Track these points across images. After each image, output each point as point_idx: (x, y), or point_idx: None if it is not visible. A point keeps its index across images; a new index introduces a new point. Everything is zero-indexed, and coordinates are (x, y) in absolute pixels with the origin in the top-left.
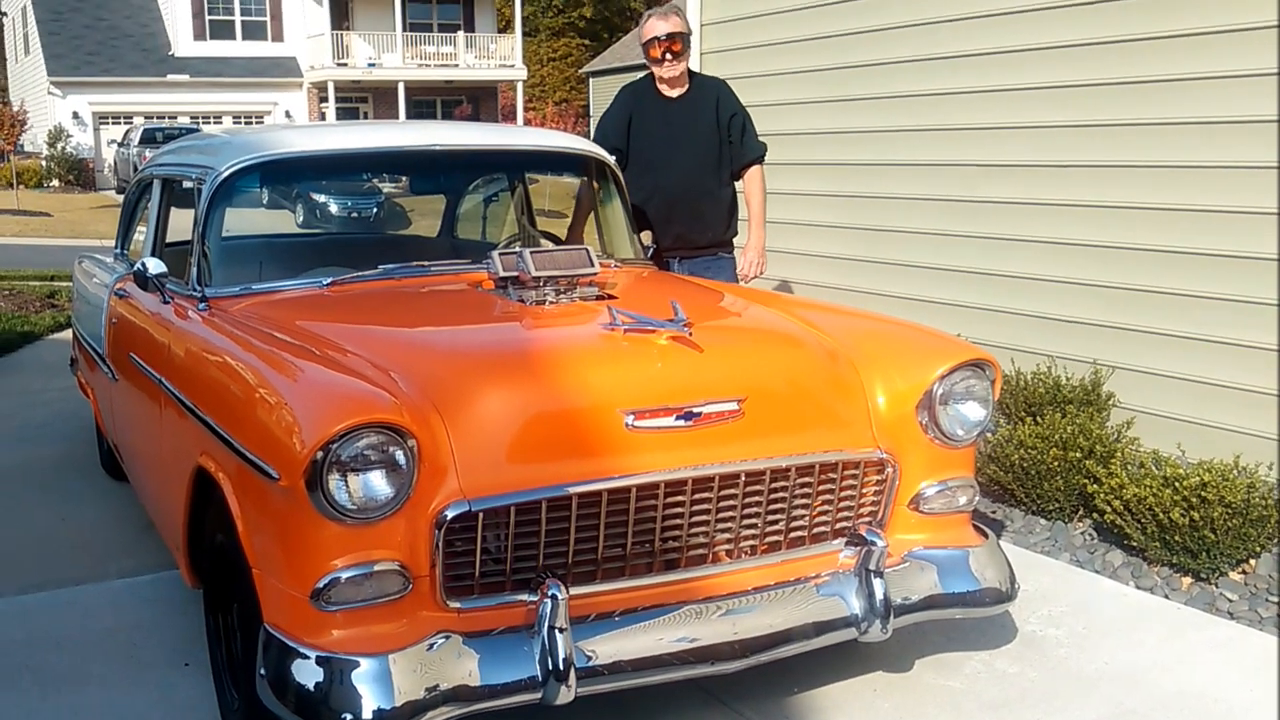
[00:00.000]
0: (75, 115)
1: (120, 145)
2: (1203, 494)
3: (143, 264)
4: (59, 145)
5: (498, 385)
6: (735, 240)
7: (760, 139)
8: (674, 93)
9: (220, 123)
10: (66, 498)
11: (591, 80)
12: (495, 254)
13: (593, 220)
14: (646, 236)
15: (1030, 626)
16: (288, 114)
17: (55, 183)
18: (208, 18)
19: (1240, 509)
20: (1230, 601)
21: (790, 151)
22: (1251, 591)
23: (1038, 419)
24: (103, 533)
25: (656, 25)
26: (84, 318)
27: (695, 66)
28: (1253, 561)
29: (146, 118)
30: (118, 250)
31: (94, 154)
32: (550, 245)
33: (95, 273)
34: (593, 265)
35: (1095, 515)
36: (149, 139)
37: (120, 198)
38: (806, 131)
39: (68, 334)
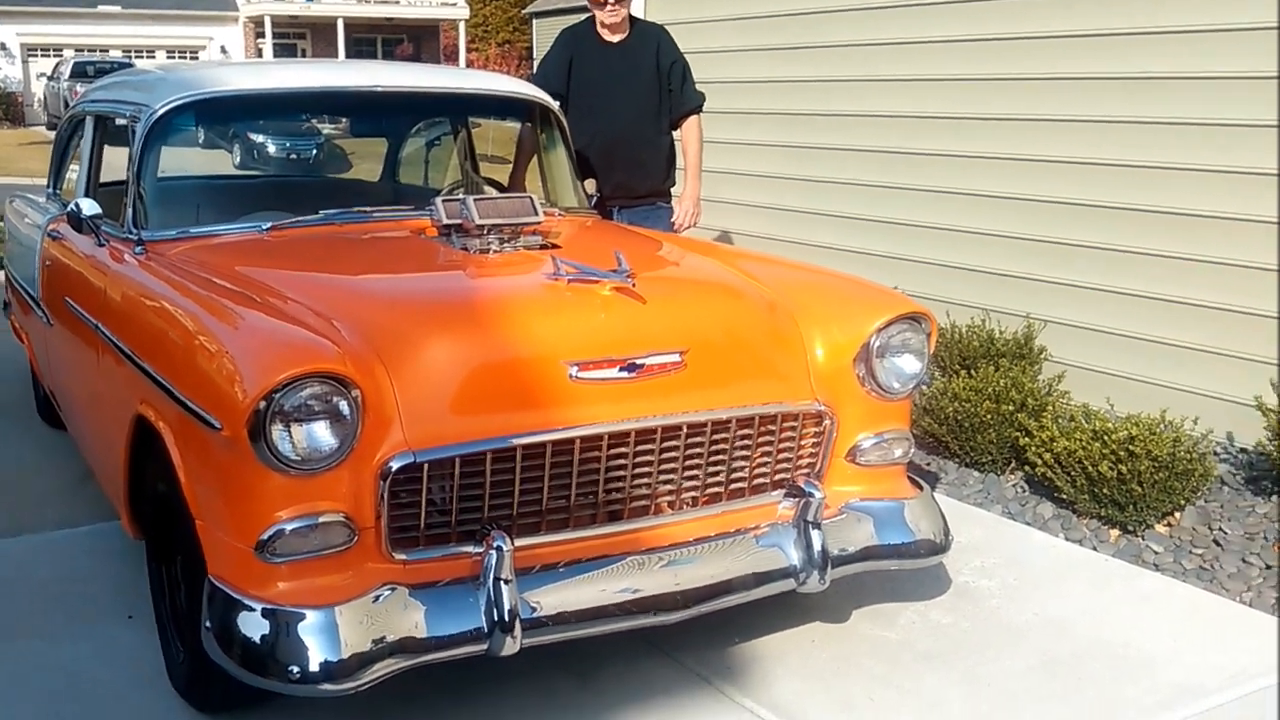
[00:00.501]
0: (3, 46)
1: (50, 79)
2: (1130, 448)
3: (77, 204)
4: None
5: (442, 335)
6: (674, 190)
7: (699, 89)
8: (615, 38)
9: (153, 57)
10: (2, 446)
11: (535, 21)
12: (439, 201)
13: (535, 167)
14: (590, 185)
15: (963, 578)
16: (223, 49)
17: None
18: None
19: (1166, 462)
20: (1156, 553)
21: (730, 100)
22: (1176, 544)
23: (972, 372)
24: (40, 482)
25: None
26: (16, 259)
27: (639, 11)
28: (1178, 514)
29: (77, 50)
30: (50, 190)
31: (22, 87)
32: (494, 193)
33: (27, 213)
34: (536, 214)
35: (1027, 468)
36: (80, 73)
37: (50, 133)
38: (747, 80)
39: None
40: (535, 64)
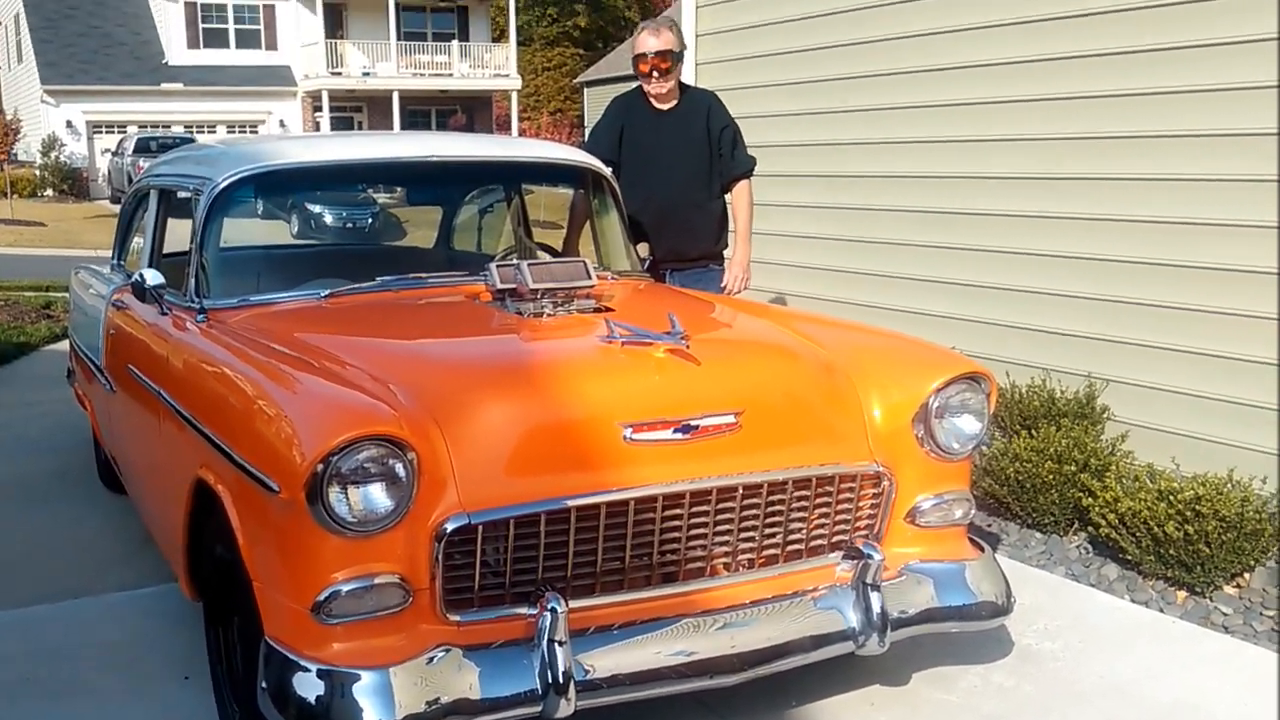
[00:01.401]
0: (69, 124)
1: (114, 154)
2: (1197, 508)
3: (141, 275)
4: (53, 154)
5: (496, 398)
6: (726, 253)
7: (750, 153)
8: (665, 106)
9: (214, 132)
10: (64, 510)
11: (586, 90)
12: (493, 266)
13: (588, 231)
14: (644, 248)
15: (1026, 640)
16: (282, 123)
17: (49, 192)
18: (201, 26)
19: (1235, 522)
20: (1225, 615)
21: (783, 163)
22: (1246, 605)
23: (1033, 432)
24: (101, 545)
25: (647, 41)
26: (81, 329)
27: (690, 76)
28: (1247, 575)
29: (140, 126)
30: (114, 261)
31: (88, 163)
32: (547, 257)
33: (92, 283)
34: (590, 277)
35: (1090, 529)
36: (143, 148)
37: (114, 207)
38: (799, 144)
39: (64, 345)
40: (586, 132)
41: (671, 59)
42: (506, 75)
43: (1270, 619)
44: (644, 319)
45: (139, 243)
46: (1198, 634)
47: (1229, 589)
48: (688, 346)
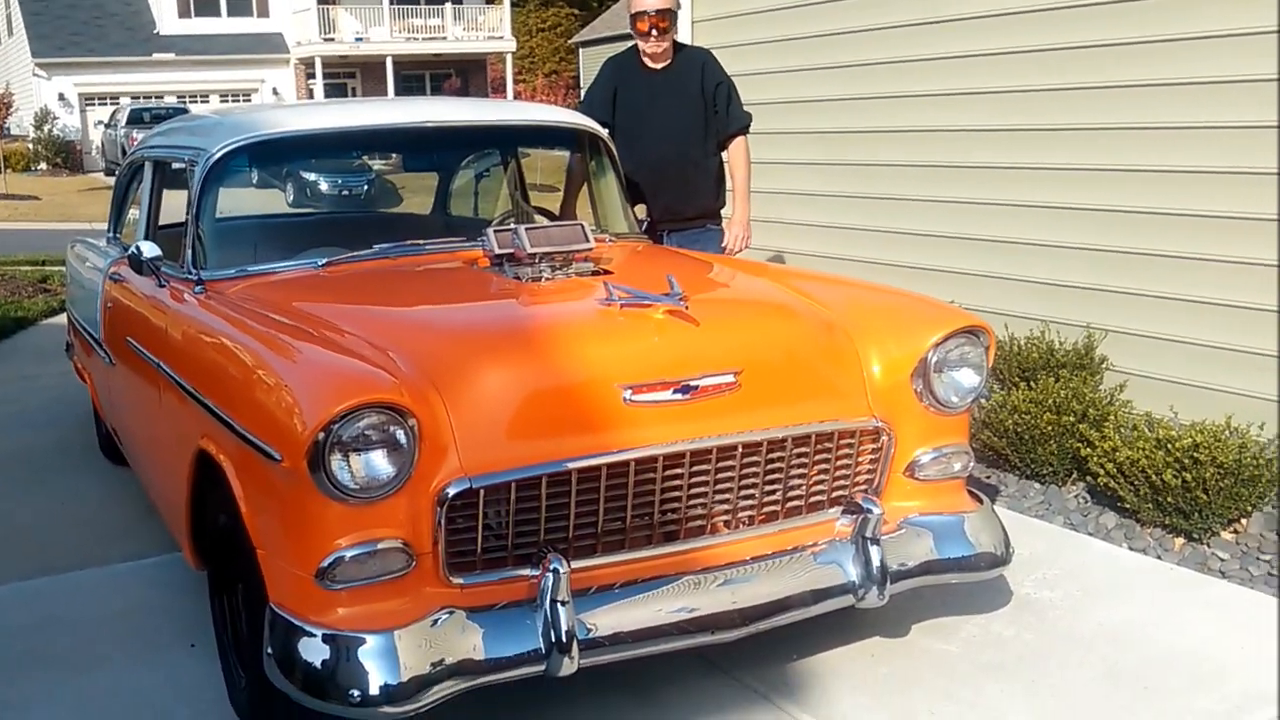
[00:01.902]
0: (61, 97)
1: (107, 126)
2: (1195, 455)
3: (137, 247)
4: (45, 128)
5: (496, 363)
6: (724, 211)
7: (746, 109)
8: (658, 65)
9: (207, 101)
10: (66, 483)
11: (581, 50)
12: (490, 231)
13: (585, 194)
14: (641, 210)
15: (1025, 590)
16: (275, 91)
17: (43, 166)
18: None
19: (1232, 469)
20: (1222, 561)
21: (781, 120)
22: (1243, 550)
23: (1031, 384)
24: (104, 517)
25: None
26: (79, 302)
27: (686, 34)
28: (1244, 521)
29: (133, 98)
30: (110, 234)
31: (81, 136)
32: (545, 221)
33: (89, 257)
34: (588, 240)
35: (1089, 479)
36: (136, 119)
37: (109, 179)
38: (797, 100)
39: (62, 319)
40: (582, 92)
41: (670, 18)
42: (501, 37)
43: (1267, 563)
44: (642, 281)
45: (135, 215)
46: (1195, 580)
47: (1226, 535)
48: (686, 307)
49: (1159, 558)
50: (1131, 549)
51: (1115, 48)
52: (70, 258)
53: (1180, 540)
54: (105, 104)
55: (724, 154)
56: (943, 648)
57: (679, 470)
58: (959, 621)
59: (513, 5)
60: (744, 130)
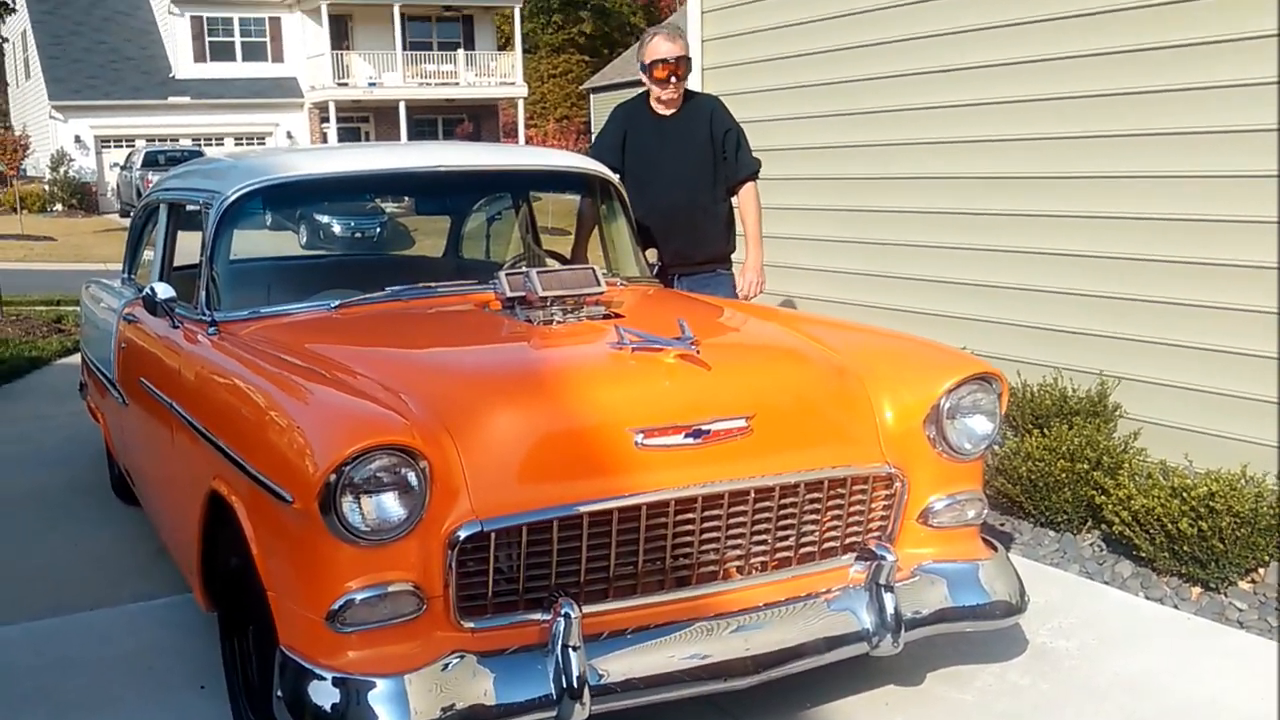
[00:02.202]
0: (77, 139)
1: (123, 168)
2: (1211, 504)
3: (152, 289)
4: (61, 169)
5: (508, 406)
6: (734, 256)
7: (755, 154)
8: (668, 111)
9: (222, 144)
10: (78, 522)
11: (592, 96)
12: (502, 274)
13: (597, 238)
14: (652, 254)
15: (1041, 638)
16: (289, 134)
17: (58, 207)
18: (208, 39)
19: (1248, 518)
20: (1240, 611)
21: (792, 166)
22: (1261, 600)
23: (1044, 431)
24: (115, 557)
25: (663, 46)
26: (93, 342)
27: (696, 81)
28: (1261, 570)
29: (149, 140)
30: (125, 275)
31: (96, 177)
32: (557, 265)
33: (103, 297)
34: (599, 284)
35: (1103, 526)
36: (151, 161)
37: (124, 221)
38: (808, 146)
39: (75, 359)
40: (593, 137)
41: (687, 65)
42: (512, 83)
43: None
44: (654, 325)
45: (149, 256)
46: (1213, 630)
47: (1244, 584)
48: (698, 352)
49: (1176, 607)
50: (1148, 598)
51: (1129, 96)
52: (85, 298)
53: (1197, 589)
54: (121, 146)
55: (734, 199)
56: (958, 697)
57: (691, 515)
58: (974, 670)
59: (525, 52)
60: (754, 176)
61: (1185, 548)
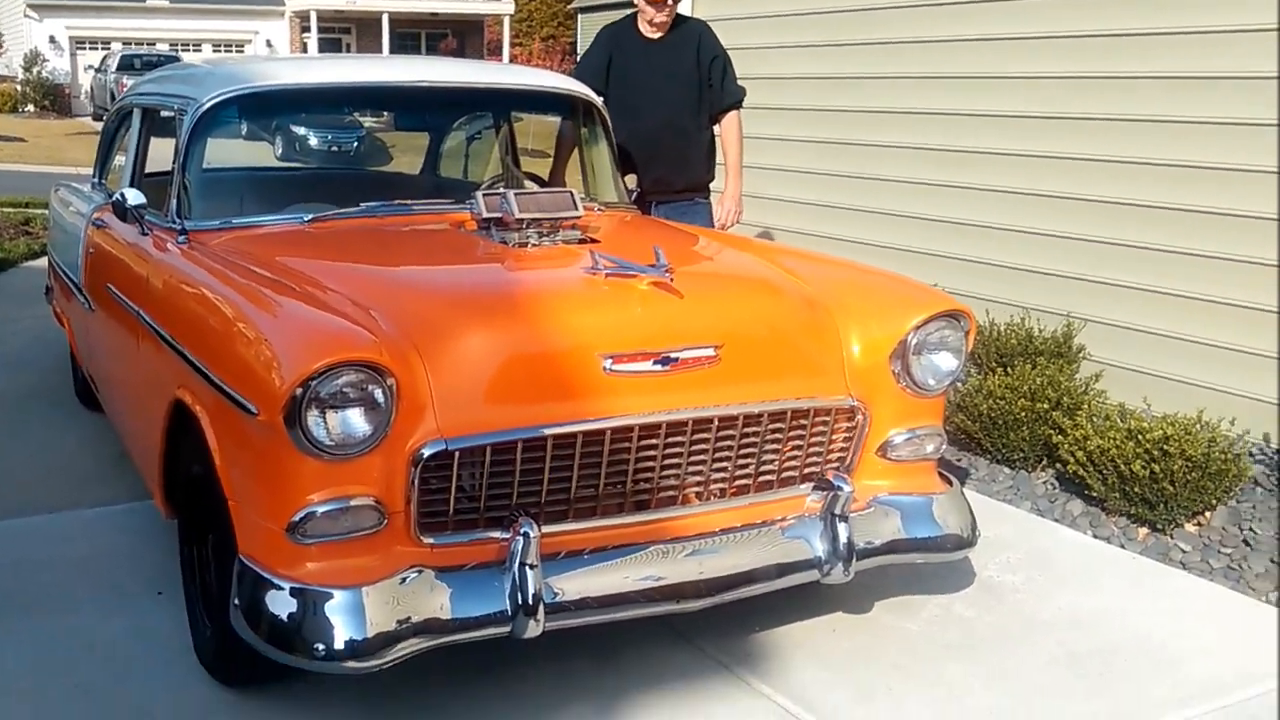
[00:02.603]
0: (52, 39)
1: (97, 71)
2: (1165, 447)
3: (122, 194)
4: (35, 70)
5: (478, 326)
6: (712, 185)
7: (740, 84)
8: (655, 35)
9: (200, 51)
10: (41, 427)
11: (580, 16)
12: (479, 194)
13: (576, 161)
14: (631, 180)
15: (989, 572)
16: (269, 43)
17: (30, 108)
18: None
19: (1200, 462)
20: (1184, 552)
21: (772, 96)
22: (1205, 543)
23: (1008, 370)
24: (77, 462)
25: None
26: (60, 247)
27: (687, 6)
28: (1208, 514)
29: (124, 44)
30: (96, 179)
31: (70, 79)
32: (534, 187)
33: (72, 201)
34: (576, 208)
35: (1058, 466)
36: (127, 65)
37: (97, 124)
38: (792, 76)
39: (42, 262)
40: (579, 58)
41: None
42: None
43: (1227, 556)
44: (629, 251)
45: (121, 161)
46: (1157, 570)
47: (1190, 527)
48: (671, 280)
49: (1123, 546)
50: (1096, 537)
51: (1116, 38)
52: (54, 201)
53: (1144, 530)
54: (96, 49)
55: (716, 128)
56: (905, 626)
57: (654, 441)
58: (922, 601)
59: None
60: (737, 105)
61: (1136, 489)
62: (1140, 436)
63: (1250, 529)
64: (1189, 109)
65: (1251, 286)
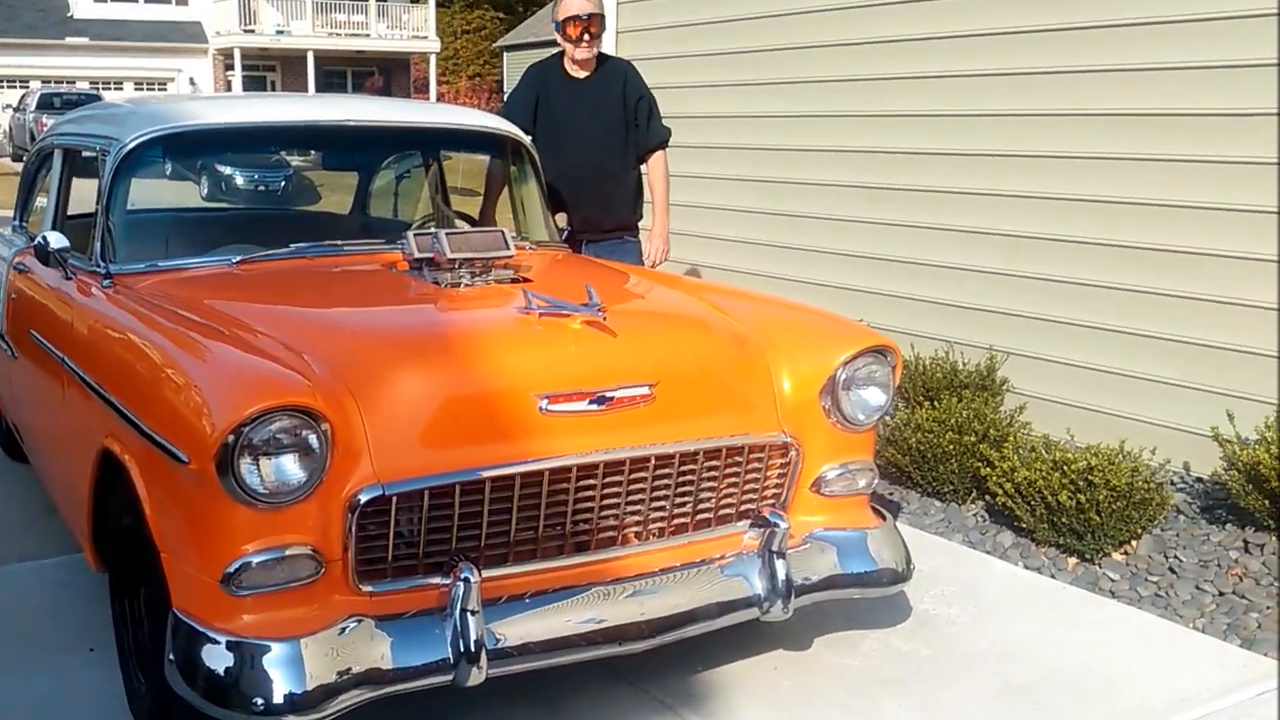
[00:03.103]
0: None
1: (16, 110)
2: (1090, 477)
3: (44, 238)
4: None
5: (412, 368)
6: (642, 224)
7: (665, 124)
8: (581, 74)
9: (121, 89)
10: None
11: (506, 54)
12: (410, 234)
13: (506, 200)
14: (561, 219)
15: (924, 605)
16: (192, 81)
17: None
18: None
19: (1124, 492)
20: (1112, 581)
21: (702, 134)
22: (1132, 571)
23: (935, 403)
24: (3, 515)
25: (576, 4)
26: None
27: (609, 45)
28: (1134, 543)
29: (44, 81)
30: (16, 222)
31: None
32: (466, 226)
33: None
34: (508, 248)
35: (988, 498)
36: (46, 104)
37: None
38: (719, 115)
39: None
40: (505, 96)
41: (599, 23)
42: (425, 37)
43: (1154, 584)
44: (562, 290)
45: (42, 203)
46: (1087, 599)
47: (1117, 555)
48: (604, 318)
49: (1053, 576)
50: (1027, 568)
51: (1028, 76)
52: None
53: (1074, 560)
54: (14, 86)
55: (643, 167)
56: (843, 661)
57: (592, 481)
58: (860, 636)
59: (438, 5)
60: (663, 145)
61: (1064, 519)
62: (1065, 467)
63: (1175, 556)
64: (1107, 145)
65: (1170, 320)
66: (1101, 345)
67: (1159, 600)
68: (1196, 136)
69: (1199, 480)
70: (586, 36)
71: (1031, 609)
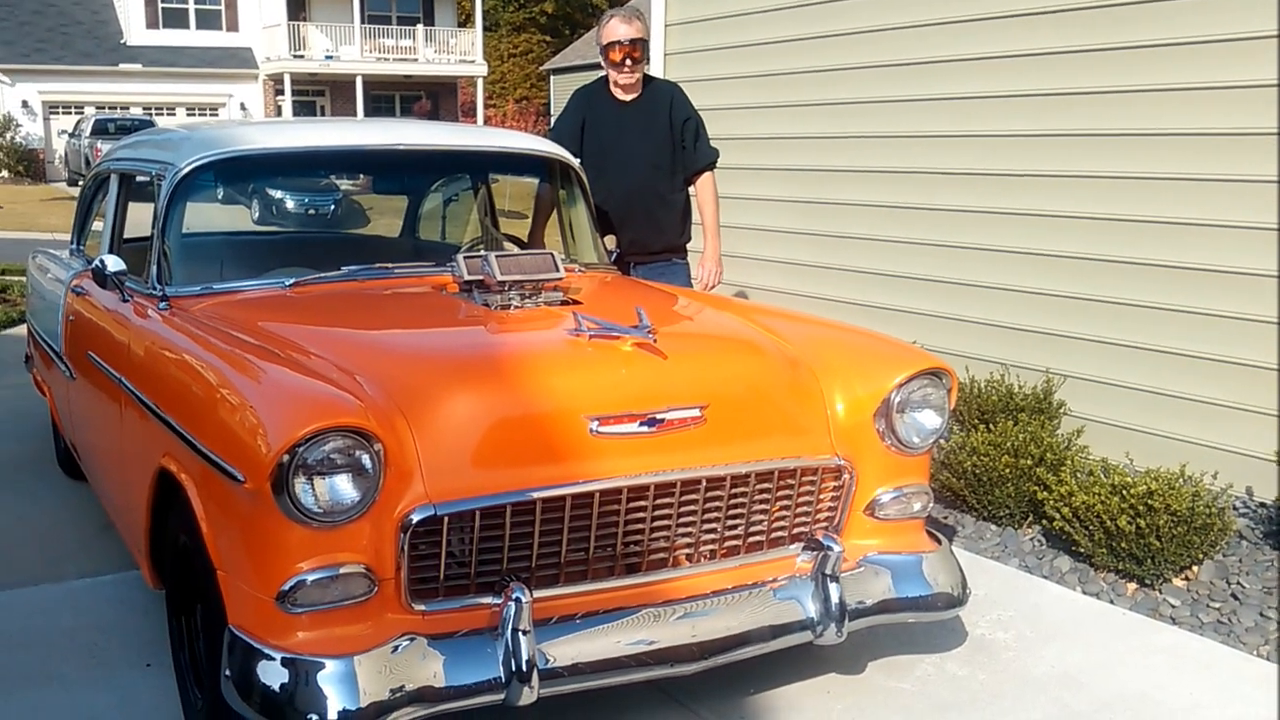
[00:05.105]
0: (25, 104)
1: (71, 136)
2: (1149, 502)
3: (101, 261)
4: (8, 135)
5: (463, 390)
6: (689, 246)
7: (713, 145)
8: (628, 97)
9: (174, 114)
10: (23, 497)
11: (552, 77)
12: (460, 257)
13: (555, 222)
14: (610, 241)
15: (980, 630)
16: (243, 106)
17: (4, 174)
18: (161, 5)
19: (1185, 517)
20: (1173, 607)
21: (750, 156)
22: (1193, 598)
23: (990, 426)
24: (61, 532)
25: (619, 29)
26: (40, 314)
27: (657, 67)
28: (1195, 568)
29: (98, 108)
30: (74, 245)
31: (44, 144)
32: (515, 249)
33: (51, 268)
34: (558, 270)
35: (1044, 522)
36: (101, 129)
37: (71, 189)
38: (767, 136)
39: (21, 330)
40: (552, 119)
41: (643, 48)
42: (472, 61)
43: (1216, 610)
44: (611, 312)
45: (99, 227)
46: (1146, 625)
47: (1177, 581)
48: (655, 340)
49: (1111, 602)
50: (1085, 593)
51: (1084, 96)
52: (32, 268)
53: (1133, 586)
54: (70, 113)
55: (691, 189)
56: (898, 686)
57: (643, 503)
58: (914, 660)
59: (485, 29)
60: (711, 166)
61: (1123, 544)
62: (1125, 492)
63: (1238, 583)
64: (1174, 165)
65: (1233, 341)
66: (1162, 368)
67: (1221, 627)
68: (1266, 156)
69: (1262, 505)
70: (629, 61)
71: (1089, 634)
